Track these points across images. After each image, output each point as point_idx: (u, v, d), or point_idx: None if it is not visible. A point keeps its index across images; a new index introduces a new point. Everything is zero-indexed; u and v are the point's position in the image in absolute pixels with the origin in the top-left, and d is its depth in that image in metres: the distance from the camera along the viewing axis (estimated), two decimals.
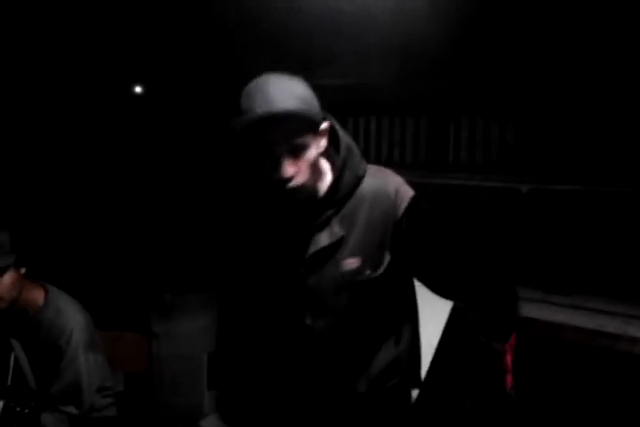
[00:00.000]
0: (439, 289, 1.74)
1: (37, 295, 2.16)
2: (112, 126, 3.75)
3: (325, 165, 1.64)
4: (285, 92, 1.45)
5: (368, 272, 1.63)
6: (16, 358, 2.16)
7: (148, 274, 3.54)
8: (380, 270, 1.64)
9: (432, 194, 3.39)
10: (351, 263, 1.62)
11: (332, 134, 1.63)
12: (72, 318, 2.15)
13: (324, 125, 1.56)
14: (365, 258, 1.62)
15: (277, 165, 1.49)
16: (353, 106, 3.57)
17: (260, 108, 1.43)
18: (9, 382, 2.15)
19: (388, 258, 1.65)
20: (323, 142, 1.58)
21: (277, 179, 1.51)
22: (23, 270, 2.09)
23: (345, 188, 1.62)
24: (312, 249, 1.62)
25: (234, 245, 1.66)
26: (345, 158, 1.63)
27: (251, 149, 1.53)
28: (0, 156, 3.33)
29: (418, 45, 3.11)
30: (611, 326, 2.42)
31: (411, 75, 3.35)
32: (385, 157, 3.77)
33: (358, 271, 1.63)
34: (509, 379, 2.06)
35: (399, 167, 3.66)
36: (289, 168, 1.49)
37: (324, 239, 1.61)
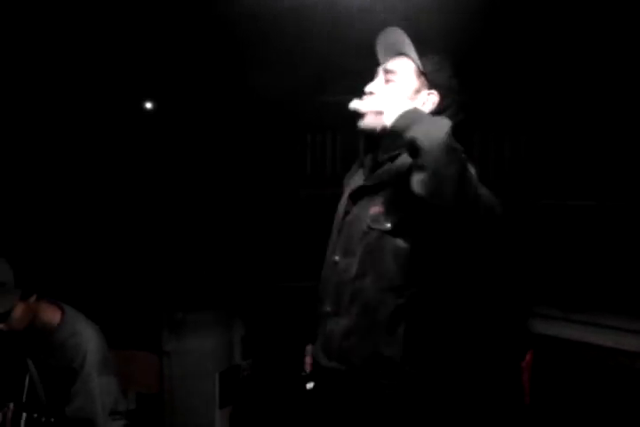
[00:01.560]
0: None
1: (53, 316, 2.15)
2: (122, 143, 3.75)
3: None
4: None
5: (387, 224, 1.69)
6: (31, 379, 2.14)
7: (159, 292, 3.52)
8: (395, 224, 1.69)
9: None
10: (376, 210, 1.71)
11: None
12: (87, 340, 2.13)
13: (433, 91, 1.73)
14: (386, 209, 1.70)
15: (372, 81, 1.75)
16: None
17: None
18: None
19: (403, 214, 1.69)
20: (426, 103, 1.73)
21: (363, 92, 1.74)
22: (33, 298, 2.08)
23: (395, 136, 1.63)
24: (355, 188, 1.79)
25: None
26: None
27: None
28: (7, 172, 3.33)
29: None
30: (630, 343, 2.38)
31: None
32: None
33: (377, 219, 1.70)
34: (527, 398, 2.03)
35: None
36: (375, 84, 1.75)
37: (366, 181, 1.78)
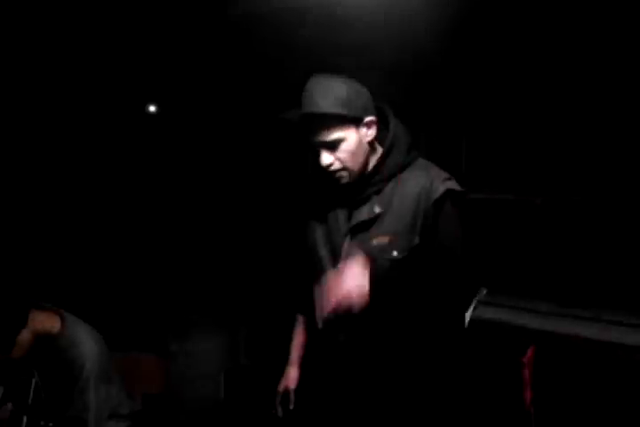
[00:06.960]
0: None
1: (53, 325, 2.18)
2: (126, 147, 3.78)
3: (376, 150, 1.85)
4: (327, 93, 1.70)
5: (395, 253, 1.76)
6: (36, 384, 2.17)
7: (164, 294, 3.55)
8: (405, 253, 1.76)
9: None
10: (380, 240, 1.77)
11: (385, 124, 1.86)
12: (86, 348, 2.15)
13: (369, 119, 1.77)
14: (394, 238, 1.76)
15: (318, 155, 1.77)
16: None
17: (304, 107, 1.72)
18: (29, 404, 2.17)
19: (416, 242, 1.77)
20: (370, 132, 1.79)
21: (318, 165, 1.77)
22: (24, 331, 2.12)
23: (386, 171, 1.81)
24: (352, 223, 1.80)
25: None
26: (390, 146, 1.82)
27: (300, 139, 1.80)
28: (10, 177, 3.36)
29: (425, 60, 3.13)
30: (629, 338, 2.39)
31: (419, 88, 3.36)
32: None
33: (385, 249, 1.76)
34: (528, 394, 2.05)
35: None
36: (326, 158, 1.76)
37: (362, 215, 1.80)
